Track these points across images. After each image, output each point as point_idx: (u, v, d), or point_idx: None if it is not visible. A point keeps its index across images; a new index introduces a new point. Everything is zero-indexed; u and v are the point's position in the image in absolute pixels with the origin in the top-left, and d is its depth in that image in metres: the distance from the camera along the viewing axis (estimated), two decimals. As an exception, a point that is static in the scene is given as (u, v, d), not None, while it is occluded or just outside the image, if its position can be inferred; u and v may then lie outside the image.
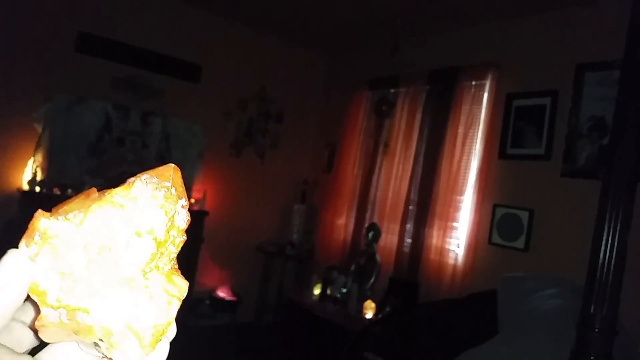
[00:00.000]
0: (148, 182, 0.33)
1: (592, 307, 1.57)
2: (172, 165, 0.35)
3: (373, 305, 4.00)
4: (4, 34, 3.88)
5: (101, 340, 0.30)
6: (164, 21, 4.60)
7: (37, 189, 3.94)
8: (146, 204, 0.32)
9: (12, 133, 3.99)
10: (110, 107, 4.30)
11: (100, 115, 4.27)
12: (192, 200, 4.65)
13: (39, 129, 4.04)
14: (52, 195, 3.98)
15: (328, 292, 4.39)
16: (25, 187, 3.95)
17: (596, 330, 1.62)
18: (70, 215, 0.32)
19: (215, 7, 4.72)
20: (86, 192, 0.34)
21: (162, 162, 4.54)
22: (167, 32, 4.63)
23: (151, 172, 0.34)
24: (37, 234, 0.31)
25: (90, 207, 0.32)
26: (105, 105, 4.28)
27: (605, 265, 1.62)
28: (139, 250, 0.31)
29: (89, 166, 4.23)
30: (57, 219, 0.32)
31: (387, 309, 3.91)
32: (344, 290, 4.28)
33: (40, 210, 0.32)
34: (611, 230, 1.65)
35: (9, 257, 0.30)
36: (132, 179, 0.33)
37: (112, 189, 0.33)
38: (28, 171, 4.02)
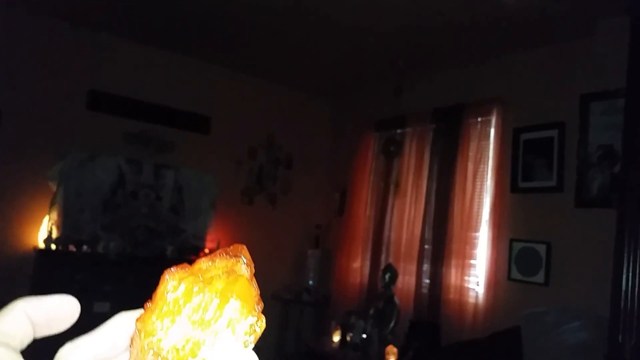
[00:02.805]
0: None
1: (620, 336, 1.53)
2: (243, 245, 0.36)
3: (395, 350, 3.90)
4: (16, 94, 4.00)
5: None
6: (172, 76, 4.73)
7: (53, 246, 3.97)
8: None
9: (27, 192, 4.05)
10: (123, 162, 4.38)
11: (114, 170, 4.34)
12: (207, 251, 4.65)
13: (54, 187, 4.10)
14: (67, 252, 4.01)
15: (348, 338, 4.30)
16: (41, 245, 3.98)
17: (626, 361, 1.57)
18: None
19: (221, 60, 4.86)
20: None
21: (175, 213, 4.58)
22: (176, 87, 4.75)
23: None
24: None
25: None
26: (118, 160, 4.36)
27: (629, 293, 1.58)
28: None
29: (104, 221, 4.27)
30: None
31: (410, 353, 3.81)
32: (364, 336, 4.19)
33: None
34: (631, 256, 1.62)
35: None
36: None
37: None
38: (44, 229, 4.06)
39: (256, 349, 0.31)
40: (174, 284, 0.31)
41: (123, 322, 0.32)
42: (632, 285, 1.61)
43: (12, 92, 3.95)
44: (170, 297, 0.31)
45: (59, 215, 4.08)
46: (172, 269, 0.33)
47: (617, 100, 3.06)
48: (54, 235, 4.01)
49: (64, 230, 4.07)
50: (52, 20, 4.14)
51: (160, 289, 0.32)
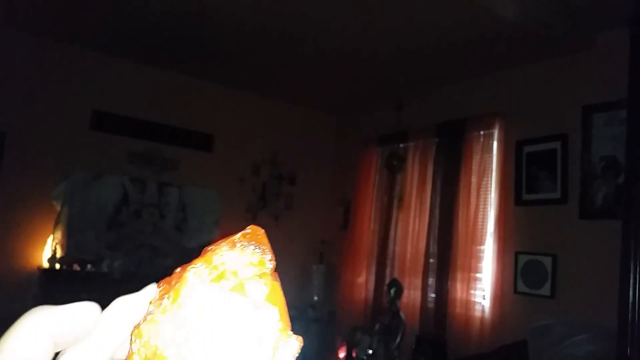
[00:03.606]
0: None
1: (629, 349, 1.51)
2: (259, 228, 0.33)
3: (401, 365, 3.86)
4: (20, 115, 4.03)
5: None
6: (175, 95, 4.76)
7: (57, 266, 3.97)
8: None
9: (31, 212, 4.07)
10: (126, 181, 4.39)
11: (118, 189, 4.35)
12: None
13: (58, 207, 4.11)
14: (72, 271, 4.00)
15: (353, 354, 4.26)
16: (46, 264, 3.98)
17: (635, 374, 1.55)
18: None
19: (224, 78, 4.89)
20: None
21: (179, 231, 4.58)
22: (179, 106, 4.78)
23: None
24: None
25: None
26: (122, 179, 4.37)
27: (637, 304, 1.57)
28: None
29: (108, 240, 4.27)
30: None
31: (416, 368, 3.77)
32: (370, 352, 4.16)
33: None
34: (637, 268, 1.61)
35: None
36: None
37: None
38: (48, 249, 4.06)
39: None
40: (204, 290, 0.27)
41: (123, 312, 0.30)
42: (639, 297, 1.60)
43: (16, 113, 3.99)
44: (196, 309, 0.27)
45: (63, 235, 4.08)
46: (196, 265, 0.29)
47: (619, 111, 3.06)
48: (58, 254, 4.01)
49: (68, 250, 4.07)
50: (55, 42, 4.19)
51: (183, 290, 0.28)
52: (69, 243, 4.09)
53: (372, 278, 4.79)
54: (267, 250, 0.31)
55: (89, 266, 4.08)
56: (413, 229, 4.47)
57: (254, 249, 0.31)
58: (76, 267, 4.03)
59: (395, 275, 4.48)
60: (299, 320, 5.01)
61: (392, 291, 4.24)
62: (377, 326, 4.26)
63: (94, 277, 4.05)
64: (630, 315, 1.60)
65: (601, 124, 3.28)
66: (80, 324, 0.28)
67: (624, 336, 1.58)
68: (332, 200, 5.63)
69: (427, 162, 4.46)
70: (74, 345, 0.27)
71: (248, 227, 0.32)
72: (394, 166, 4.60)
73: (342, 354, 4.37)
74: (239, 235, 0.32)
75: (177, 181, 4.66)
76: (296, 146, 5.49)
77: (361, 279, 4.91)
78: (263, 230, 0.33)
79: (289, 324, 0.29)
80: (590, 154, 3.31)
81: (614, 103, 3.12)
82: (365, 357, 4.16)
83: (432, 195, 4.34)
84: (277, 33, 3.82)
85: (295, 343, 0.28)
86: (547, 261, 3.46)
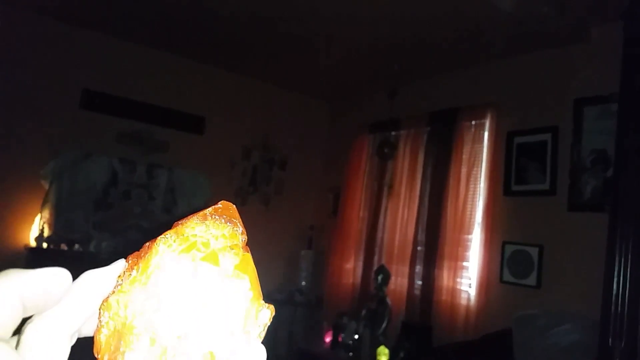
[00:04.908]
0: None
1: (610, 340, 1.54)
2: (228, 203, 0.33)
3: (386, 351, 3.90)
4: (10, 93, 3.97)
5: None
6: (166, 76, 4.71)
7: (45, 245, 3.95)
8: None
9: (19, 190, 4.03)
10: (116, 161, 4.36)
11: (107, 169, 4.32)
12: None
13: (46, 186, 4.08)
14: (59, 251, 3.98)
15: (340, 339, 4.29)
16: (33, 243, 3.95)
17: (616, 364, 1.58)
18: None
19: (216, 60, 4.85)
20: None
21: (168, 213, 4.57)
22: (170, 86, 4.73)
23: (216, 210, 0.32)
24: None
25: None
26: (111, 159, 4.34)
27: (620, 297, 1.59)
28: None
29: (96, 221, 4.25)
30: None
31: (401, 354, 3.82)
32: (356, 337, 4.19)
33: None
34: (622, 261, 1.63)
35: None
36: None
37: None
38: (35, 228, 4.03)
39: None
40: (174, 260, 0.27)
41: (92, 285, 0.29)
42: (622, 290, 1.62)
43: (5, 90, 3.93)
44: (166, 278, 0.27)
45: (51, 214, 4.06)
46: (167, 236, 0.29)
47: (610, 105, 3.08)
48: (46, 233, 3.99)
49: (55, 229, 4.05)
50: (46, 19, 4.12)
51: (152, 260, 0.28)
52: (56, 222, 4.07)
53: (360, 264, 4.82)
54: (238, 224, 0.31)
55: (76, 246, 4.06)
56: (402, 217, 4.49)
57: (225, 223, 0.30)
58: (63, 247, 4.02)
59: (383, 262, 4.51)
60: (286, 304, 5.03)
61: (380, 277, 4.26)
62: (363, 312, 4.29)
63: (81, 257, 4.04)
64: (613, 307, 1.62)
65: (592, 117, 3.30)
66: (51, 288, 0.27)
67: (606, 327, 1.61)
68: (323, 186, 5.63)
69: (418, 151, 4.47)
70: (42, 312, 0.27)
71: (219, 202, 0.32)
72: (385, 154, 4.60)
73: (328, 339, 4.40)
74: (210, 209, 0.31)
75: (167, 163, 4.63)
76: (288, 131, 5.47)
77: (349, 265, 4.93)
78: (234, 206, 0.33)
79: (260, 293, 0.29)
80: (580, 146, 3.34)
81: (606, 97, 3.13)
82: (351, 342, 4.19)
83: (422, 184, 4.35)
84: (271, 17, 3.78)
85: (266, 312, 0.28)
86: (534, 252, 3.50)
